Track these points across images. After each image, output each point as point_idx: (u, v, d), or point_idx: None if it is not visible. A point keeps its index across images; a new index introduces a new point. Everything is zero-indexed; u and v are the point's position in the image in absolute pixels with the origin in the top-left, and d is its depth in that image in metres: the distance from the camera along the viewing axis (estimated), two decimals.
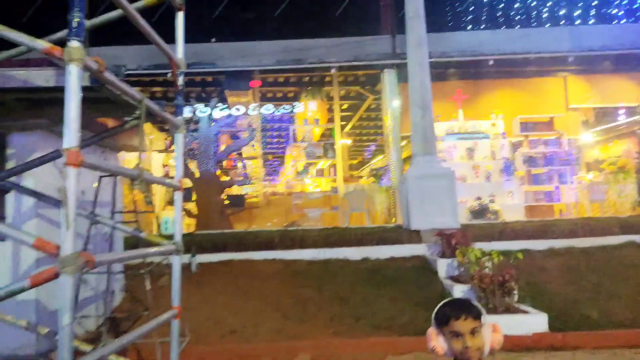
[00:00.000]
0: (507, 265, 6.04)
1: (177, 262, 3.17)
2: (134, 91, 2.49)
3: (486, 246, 6.74)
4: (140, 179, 2.33)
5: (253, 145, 13.49)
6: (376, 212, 10.90)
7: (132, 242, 6.74)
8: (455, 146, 11.20)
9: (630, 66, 11.51)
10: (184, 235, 3.38)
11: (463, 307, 1.84)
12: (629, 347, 5.12)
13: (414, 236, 8.32)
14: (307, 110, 12.86)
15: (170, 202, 11.49)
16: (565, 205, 10.97)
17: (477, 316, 1.82)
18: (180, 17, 3.10)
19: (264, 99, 13.41)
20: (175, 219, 3.23)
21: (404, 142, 11.75)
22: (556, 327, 5.46)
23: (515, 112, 11.54)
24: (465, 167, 11.04)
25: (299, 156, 12.95)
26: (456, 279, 6.71)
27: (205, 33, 13.48)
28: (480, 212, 10.06)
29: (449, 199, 8.57)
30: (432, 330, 1.84)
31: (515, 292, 5.83)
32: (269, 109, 12.89)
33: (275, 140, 16.91)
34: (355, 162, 17.08)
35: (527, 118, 11.32)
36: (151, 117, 2.91)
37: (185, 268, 7.13)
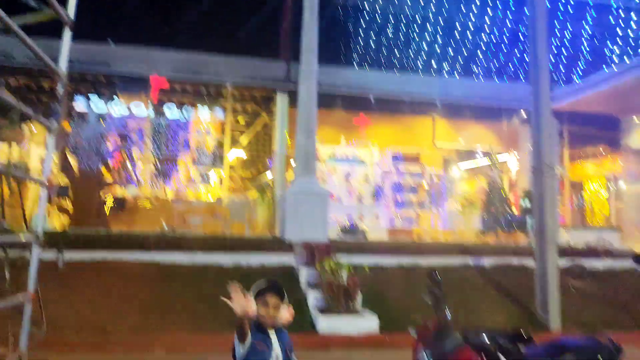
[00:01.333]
0: (355, 276, 7.01)
1: (35, 252, 3.51)
2: (9, 98, 2.85)
3: (351, 259, 7.67)
4: (7, 173, 2.70)
5: (142, 149, 13.49)
6: (257, 224, 11.52)
7: None
8: (335, 169, 12.26)
9: (487, 116, 13.42)
10: (57, 233, 3.71)
11: (275, 287, 2.55)
12: None
13: (287, 247, 9.02)
14: (201, 119, 13.19)
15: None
16: (422, 229, 12.46)
17: (282, 297, 2.53)
18: (67, 34, 3.47)
19: (160, 104, 13.51)
20: (40, 212, 3.57)
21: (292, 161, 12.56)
22: (386, 329, 6.43)
23: (390, 143, 12.92)
24: (342, 189, 12.13)
25: (189, 163, 13.20)
26: (313, 286, 7.51)
27: (101, 33, 13.30)
28: (349, 230, 11.12)
29: (321, 216, 9.48)
30: (248, 297, 2.49)
31: (358, 298, 6.77)
32: (164, 113, 13.00)
33: (168, 145, 16.89)
34: (249, 175, 17.59)
35: (399, 150, 12.75)
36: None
37: (52, 265, 7.14)
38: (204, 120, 13.14)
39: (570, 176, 15.77)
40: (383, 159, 12.75)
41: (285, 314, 2.56)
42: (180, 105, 13.66)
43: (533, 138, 7.05)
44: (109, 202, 10.91)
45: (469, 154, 14.31)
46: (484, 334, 3.47)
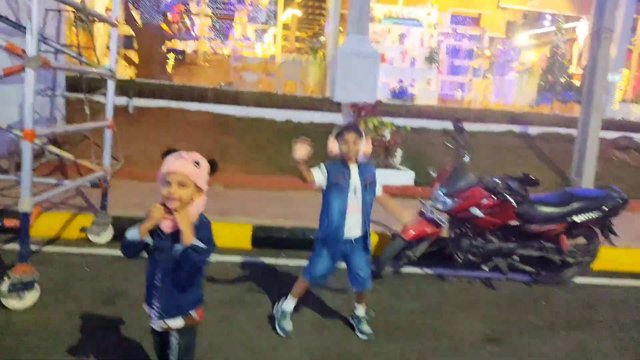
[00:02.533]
0: (398, 135, 7.42)
1: (111, 85, 4.09)
2: None
3: (397, 121, 8.00)
4: (83, 10, 3.12)
5: (199, 3, 13.54)
6: (309, 84, 11.81)
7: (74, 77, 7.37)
8: (389, 30, 11.97)
9: None
10: (125, 81, 4.24)
11: (351, 127, 2.98)
12: None
13: (335, 107, 9.40)
14: None
15: None
16: (474, 96, 12.33)
17: (359, 134, 2.93)
18: None
19: None
20: (111, 51, 4.07)
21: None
22: (421, 183, 6.97)
23: (451, 3, 12.26)
24: (395, 51, 11.96)
25: (244, 19, 13.24)
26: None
27: None
28: (399, 93, 11.23)
29: (371, 78, 9.58)
30: (331, 139, 2.95)
31: (398, 155, 7.23)
32: None
33: (224, 0, 16.80)
34: (303, 34, 17.42)
35: (459, 11, 12.12)
36: None
37: (123, 110, 7.95)
38: None
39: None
40: (441, 20, 12.23)
41: (364, 146, 2.95)
42: None
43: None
44: (171, 55, 11.43)
45: (536, 18, 13.37)
46: (496, 178, 3.87)
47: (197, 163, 1.88)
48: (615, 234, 4.17)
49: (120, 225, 4.52)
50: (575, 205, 3.99)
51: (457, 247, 4.11)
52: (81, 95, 6.47)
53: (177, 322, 1.96)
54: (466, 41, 12.17)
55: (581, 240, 4.28)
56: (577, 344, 3.25)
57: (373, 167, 3.04)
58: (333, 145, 2.92)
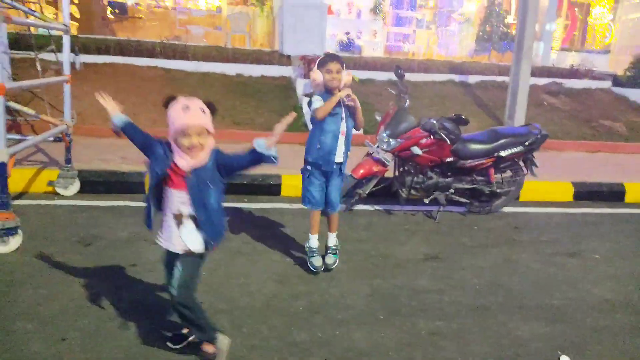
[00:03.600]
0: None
1: (67, 40, 4.17)
2: None
3: None
4: None
5: None
6: (257, 37, 11.82)
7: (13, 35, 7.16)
8: None
9: None
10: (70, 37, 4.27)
11: (335, 57, 3.18)
12: None
13: (285, 60, 9.56)
14: None
15: None
16: (418, 47, 12.77)
17: (342, 64, 3.13)
18: None
19: None
20: (64, 5, 4.12)
21: None
22: (370, 132, 7.39)
23: None
24: (341, 3, 12.10)
25: None
26: (308, 95, 8.29)
27: None
28: (346, 44, 11.48)
29: (319, 30, 9.77)
30: (315, 69, 3.16)
31: None
32: None
33: None
34: None
35: None
36: None
37: (71, 65, 7.81)
38: None
39: None
40: None
41: (346, 76, 3.18)
42: None
43: None
44: (110, 9, 11.06)
45: None
46: (433, 119, 4.34)
47: (203, 110, 2.05)
48: (536, 165, 4.78)
49: (86, 178, 4.71)
50: (501, 141, 4.53)
51: (401, 184, 4.59)
52: (25, 53, 6.38)
53: (200, 246, 2.18)
54: None
55: (508, 173, 4.87)
56: (503, 258, 3.84)
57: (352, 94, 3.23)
58: (317, 75, 3.11)
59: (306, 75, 8.73)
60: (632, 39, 13.22)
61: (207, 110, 2.07)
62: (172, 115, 2.03)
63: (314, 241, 3.43)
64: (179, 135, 2.04)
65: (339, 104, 3.14)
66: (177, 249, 2.17)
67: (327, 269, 3.37)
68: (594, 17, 17.20)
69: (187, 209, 2.12)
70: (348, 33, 11.79)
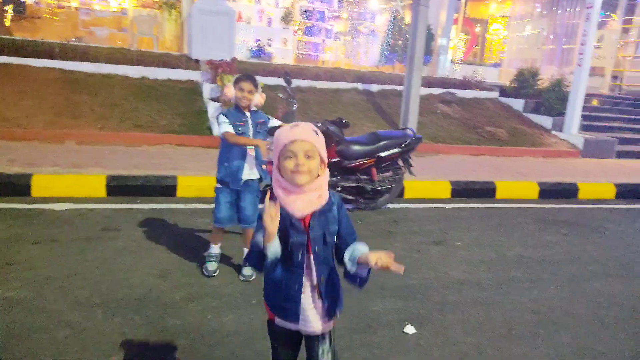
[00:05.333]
0: None
1: None
2: None
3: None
4: None
5: None
6: (165, 40, 11.70)
7: None
8: None
9: None
10: None
11: (250, 77, 3.27)
12: None
13: (193, 64, 9.58)
14: None
15: None
16: (328, 57, 13.28)
17: (255, 85, 3.23)
18: None
19: None
20: None
21: None
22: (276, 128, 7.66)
23: None
24: (252, 10, 12.32)
25: None
26: (214, 99, 8.39)
27: None
28: (257, 51, 11.71)
29: (228, 35, 9.90)
30: (229, 86, 3.24)
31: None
32: None
33: None
34: None
35: None
36: None
37: None
38: None
39: (471, 14, 16.74)
40: None
41: (258, 97, 3.27)
42: None
43: None
44: (9, 8, 10.46)
45: None
46: (318, 122, 4.68)
47: (316, 132, 1.58)
48: (411, 165, 5.27)
49: None
50: (381, 143, 4.97)
51: None
52: None
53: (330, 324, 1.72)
54: (319, 3, 12.93)
55: (389, 172, 5.32)
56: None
57: (264, 114, 3.36)
58: (230, 91, 3.21)
59: (213, 80, 8.84)
60: (519, 54, 14.60)
61: (322, 136, 1.60)
62: (277, 140, 1.58)
63: (214, 249, 3.50)
64: (282, 156, 1.55)
65: (246, 121, 3.26)
66: (317, 328, 1.67)
67: (245, 280, 3.41)
68: (491, 33, 18.81)
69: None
70: (258, 40, 12.03)
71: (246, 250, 3.51)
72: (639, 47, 14.89)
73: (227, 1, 10.84)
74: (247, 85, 3.20)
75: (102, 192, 4.95)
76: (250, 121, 3.28)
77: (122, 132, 7.00)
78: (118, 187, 5.02)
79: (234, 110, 3.28)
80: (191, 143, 7.21)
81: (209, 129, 7.70)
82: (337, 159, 4.87)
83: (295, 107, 4.80)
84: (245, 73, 3.55)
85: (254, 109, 3.31)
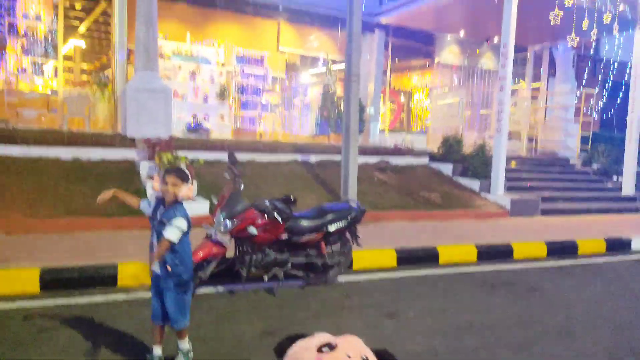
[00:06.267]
0: (190, 168, 7.90)
1: None
2: None
3: (194, 155, 8.46)
4: None
5: None
6: (98, 120, 11.48)
7: None
8: (180, 67, 12.46)
9: (329, 24, 14.39)
10: None
11: (175, 171, 3.19)
12: None
13: (128, 142, 9.41)
14: (30, 1, 12.05)
15: None
16: (264, 130, 13.57)
17: (181, 178, 3.14)
18: None
19: None
20: None
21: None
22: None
23: (235, 44, 13.34)
24: (187, 87, 12.48)
25: (20, 51, 12.18)
26: (152, 177, 8.24)
27: None
28: (194, 128, 11.75)
29: (164, 113, 9.88)
30: (157, 177, 3.15)
31: (193, 186, 7.71)
32: None
33: None
34: (90, 67, 16.64)
35: (244, 51, 13.27)
36: None
37: None
38: (33, 4, 12.03)
39: (398, 85, 17.93)
40: (228, 59, 13.20)
41: (185, 191, 3.18)
42: None
43: (346, 49, 8.24)
44: None
45: (312, 61, 15.36)
46: (266, 200, 4.71)
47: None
48: (358, 236, 5.37)
49: None
50: (328, 217, 5.05)
51: (241, 263, 4.79)
52: None
53: None
54: (253, 79, 13.36)
55: (337, 245, 5.38)
56: (332, 325, 4.18)
57: (178, 212, 3.12)
58: (156, 184, 3.19)
59: (150, 158, 8.70)
60: (442, 121, 15.67)
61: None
62: None
63: (155, 350, 3.30)
64: None
65: (158, 211, 3.18)
66: None
67: None
68: (415, 102, 20.12)
69: None
70: (195, 115, 12.11)
71: (180, 341, 3.31)
72: (547, 112, 16.53)
73: (163, 79, 10.92)
74: (170, 179, 3.12)
75: (35, 288, 4.59)
76: (160, 215, 3.16)
77: (54, 219, 6.63)
78: (53, 281, 4.68)
79: (156, 202, 3.23)
80: (130, 225, 6.94)
81: None
82: (287, 236, 4.87)
83: (242, 186, 4.81)
84: (173, 167, 3.44)
85: (177, 202, 3.17)
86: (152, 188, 3.13)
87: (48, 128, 9.59)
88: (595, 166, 14.00)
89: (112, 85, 11.50)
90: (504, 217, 10.02)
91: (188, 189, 3.16)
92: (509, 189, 11.06)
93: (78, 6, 13.96)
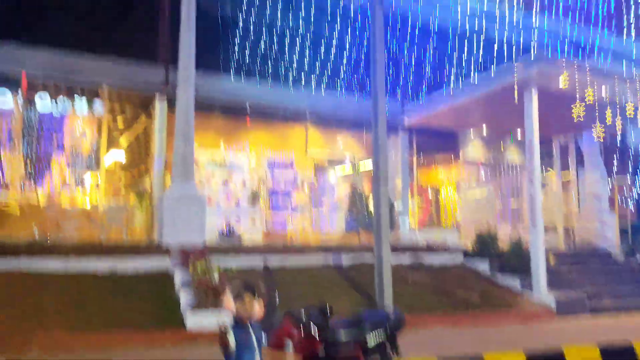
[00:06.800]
0: (223, 276, 7.94)
1: None
2: None
3: (226, 262, 8.56)
4: None
5: (10, 148, 12.95)
6: (135, 229, 11.84)
7: None
8: (213, 174, 13.00)
9: (354, 127, 14.95)
10: None
11: (248, 287, 3.11)
12: None
13: (163, 251, 9.56)
14: (76, 120, 13.04)
15: None
16: (295, 231, 13.69)
17: (254, 294, 3.08)
18: None
19: (31, 102, 13.01)
20: None
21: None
22: None
23: (266, 149, 13.95)
24: (220, 194, 12.91)
25: (64, 165, 12.98)
26: (186, 286, 8.27)
27: None
28: (226, 234, 11.95)
29: (199, 220, 10.16)
30: (227, 296, 3.11)
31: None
32: (36, 108, 12.47)
33: (40, 145, 16.17)
34: (129, 177, 17.48)
35: (274, 156, 13.83)
36: None
37: None
38: (79, 121, 13.00)
39: (425, 181, 18.10)
40: (259, 164, 13.73)
41: (258, 308, 3.13)
42: (54, 103, 13.23)
43: (373, 153, 8.50)
44: None
45: (339, 161, 15.81)
46: (301, 310, 4.62)
47: None
48: (397, 347, 5.12)
49: None
50: (366, 327, 4.87)
51: None
52: None
53: None
54: (283, 182, 13.77)
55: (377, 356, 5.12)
56: None
57: (258, 325, 3.18)
58: (229, 302, 3.08)
59: (184, 266, 8.77)
60: (473, 214, 15.54)
61: None
62: None
63: None
64: None
65: (248, 333, 3.13)
66: None
67: None
68: (444, 197, 20.15)
69: None
70: (228, 221, 12.38)
71: None
72: (580, 202, 16.22)
73: (198, 187, 11.36)
74: (247, 297, 3.08)
75: None
76: (253, 336, 3.13)
77: (93, 335, 6.61)
78: None
79: (236, 326, 3.10)
80: (161, 342, 6.82)
81: (182, 322, 7.40)
82: (324, 352, 4.69)
83: (278, 300, 4.76)
84: (245, 282, 3.28)
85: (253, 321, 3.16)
86: (225, 306, 3.08)
87: (88, 240, 9.89)
88: (639, 258, 13.41)
89: (150, 194, 11.98)
90: (551, 318, 9.48)
91: (259, 305, 3.14)
92: (550, 284, 10.58)
93: (120, 121, 15.02)
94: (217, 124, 13.62)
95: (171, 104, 11.87)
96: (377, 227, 8.42)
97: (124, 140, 16.19)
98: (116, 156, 15.85)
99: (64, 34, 12.01)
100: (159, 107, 12.45)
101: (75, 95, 12.24)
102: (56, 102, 12.34)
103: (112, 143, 15.15)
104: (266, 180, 13.61)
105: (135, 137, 15.84)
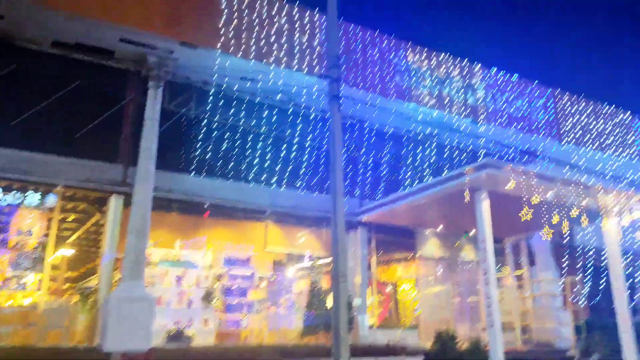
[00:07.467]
0: None
1: None
2: None
3: None
4: None
5: None
6: (77, 332, 11.00)
7: None
8: (166, 272, 12.48)
9: (313, 223, 15.03)
10: None
11: None
12: None
13: (104, 358, 8.87)
14: (28, 214, 12.47)
15: None
16: (250, 331, 13.05)
17: None
18: None
19: None
20: None
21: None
22: None
23: (224, 247, 13.65)
24: (172, 293, 12.32)
25: (5, 265, 12.16)
26: None
27: None
28: (176, 336, 11.24)
29: (145, 323, 9.57)
30: None
31: None
32: None
33: None
34: (75, 274, 16.54)
35: (232, 253, 13.51)
36: None
37: None
38: (29, 216, 12.43)
39: (382, 278, 18.03)
40: (215, 262, 13.35)
41: None
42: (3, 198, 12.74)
43: (332, 250, 8.43)
44: None
45: (299, 257, 15.60)
46: None
47: None
48: None
49: None
50: None
51: None
52: None
53: None
54: (239, 279, 13.35)
55: None
56: None
57: None
58: None
59: None
60: (432, 312, 15.38)
61: None
62: None
63: None
64: None
65: None
66: None
67: None
68: (402, 293, 19.96)
69: None
70: (178, 323, 11.72)
71: None
72: (535, 300, 16.41)
73: (147, 287, 10.85)
74: None
75: None
76: None
77: None
78: None
79: None
80: None
81: None
82: None
83: None
84: None
85: None
86: None
87: (20, 346, 9.05)
88: (596, 357, 13.40)
89: (96, 294, 11.31)
90: None
91: None
92: None
93: (71, 218, 14.47)
94: (173, 221, 13.38)
95: (127, 201, 11.63)
96: (335, 326, 8.11)
97: (74, 236, 15.53)
98: (64, 252, 15.11)
99: (24, 132, 11.84)
100: (115, 203, 12.17)
101: (30, 190, 11.90)
102: (5, 198, 11.90)
103: (60, 240, 14.49)
104: (222, 279, 13.17)
105: (85, 232, 15.25)
